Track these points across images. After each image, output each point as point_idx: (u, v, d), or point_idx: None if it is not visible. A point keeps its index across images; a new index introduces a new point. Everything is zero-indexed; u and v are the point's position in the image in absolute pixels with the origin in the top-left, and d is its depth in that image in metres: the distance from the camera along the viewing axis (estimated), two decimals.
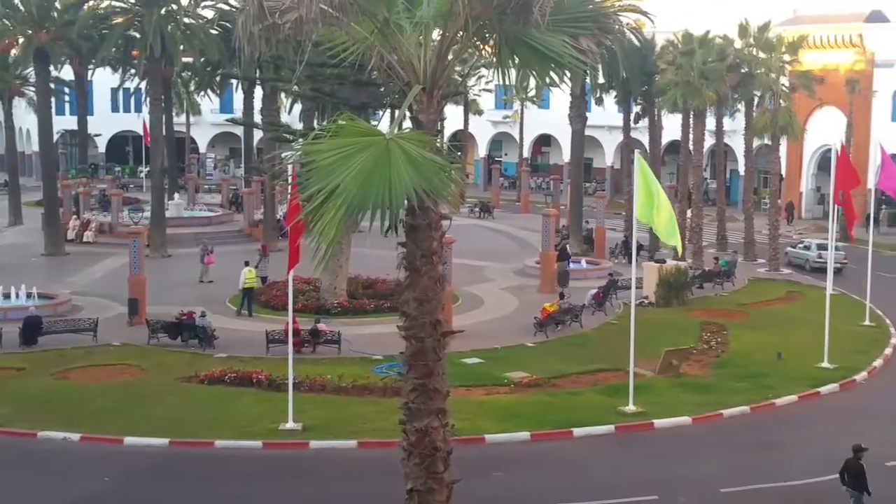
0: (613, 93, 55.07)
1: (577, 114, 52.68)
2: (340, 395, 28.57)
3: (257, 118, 53.78)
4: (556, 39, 12.22)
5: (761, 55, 48.98)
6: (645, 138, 60.88)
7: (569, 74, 13.67)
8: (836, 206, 36.01)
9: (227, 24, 52.05)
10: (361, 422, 26.23)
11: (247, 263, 39.42)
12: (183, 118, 78.19)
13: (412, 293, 13.06)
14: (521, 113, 78.17)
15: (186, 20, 52.74)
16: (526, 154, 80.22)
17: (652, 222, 28.20)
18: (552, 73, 13.47)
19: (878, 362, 33.33)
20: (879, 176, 37.58)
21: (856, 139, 61.09)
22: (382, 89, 37.09)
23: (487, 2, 12.17)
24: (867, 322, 38.25)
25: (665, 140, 63.27)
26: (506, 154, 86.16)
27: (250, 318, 37.44)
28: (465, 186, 74.84)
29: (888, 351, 34.78)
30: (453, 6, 12.17)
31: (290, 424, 25.93)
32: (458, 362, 31.31)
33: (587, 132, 56.53)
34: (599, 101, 56.70)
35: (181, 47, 52.60)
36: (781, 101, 48.39)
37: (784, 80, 49.40)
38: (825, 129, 61.89)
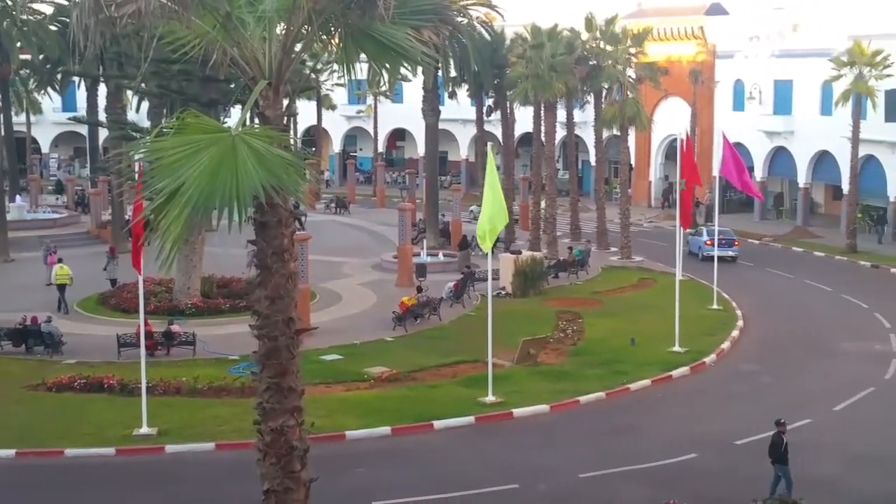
0: (466, 86, 55.50)
1: (431, 108, 52.88)
2: (196, 397, 28.09)
3: (103, 116, 52.32)
4: (400, 32, 12.25)
5: (608, 48, 50.03)
6: (498, 131, 61.62)
7: (419, 68, 13.74)
8: (682, 193, 37.16)
9: (67, 20, 50.47)
10: (218, 423, 25.85)
11: (60, 260, 39.27)
12: (23, 117, 75.53)
13: (264, 291, 12.93)
14: (375, 107, 78.12)
15: (23, 16, 50.89)
16: (381, 149, 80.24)
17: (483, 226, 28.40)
18: (400, 67, 13.49)
19: (725, 345, 34.48)
20: (722, 164, 38.85)
21: (700, 128, 63.22)
22: (232, 85, 36.53)
23: None
24: (715, 306, 39.55)
25: (518, 132, 64.31)
26: (361, 149, 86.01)
27: (67, 315, 36.83)
28: (320, 182, 74.40)
29: (735, 333, 36.01)
30: (297, 0, 12.08)
31: (144, 429, 25.36)
32: (317, 359, 31.18)
33: (441, 126, 56.80)
34: (452, 95, 57.15)
35: (18, 44, 50.77)
36: (629, 92, 49.51)
37: (630, 72, 50.49)
38: (671, 118, 63.74)
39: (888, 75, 50.75)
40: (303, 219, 54.84)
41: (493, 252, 29.89)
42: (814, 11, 65.17)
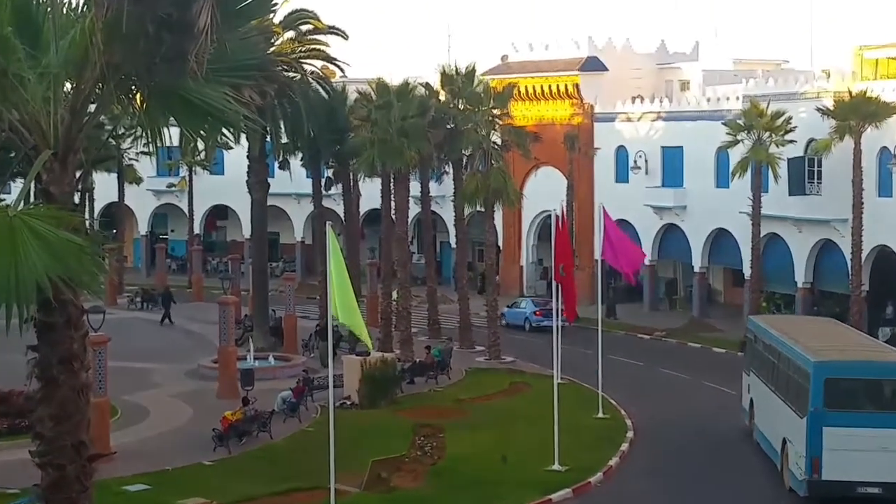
0: (300, 155, 55.63)
1: (258, 180, 52.70)
2: None
3: None
4: (216, 92, 12.25)
5: (468, 108, 50.82)
6: (340, 208, 61.92)
7: (242, 134, 13.75)
8: (557, 283, 37.75)
9: None
10: None
11: None
12: None
13: (48, 409, 12.61)
14: (190, 180, 77.47)
15: None
16: (198, 230, 79.53)
17: (342, 317, 28.20)
18: (219, 132, 13.48)
19: (613, 461, 34.94)
20: (604, 245, 39.70)
21: (578, 203, 64.15)
22: (12, 154, 35.80)
23: (131, 48, 12.05)
24: (601, 414, 40.08)
25: (363, 209, 64.72)
26: (173, 230, 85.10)
27: None
28: (123, 271, 73.20)
29: (624, 446, 36.54)
30: (88, 53, 11.98)
31: None
32: (119, 490, 30.43)
33: (271, 201, 56.69)
34: (284, 165, 57.20)
35: None
36: (493, 161, 50.27)
37: (495, 137, 51.37)
38: (545, 192, 64.63)
39: (790, 141, 52.81)
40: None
41: (335, 353, 29.75)
42: (703, 69, 67.68)
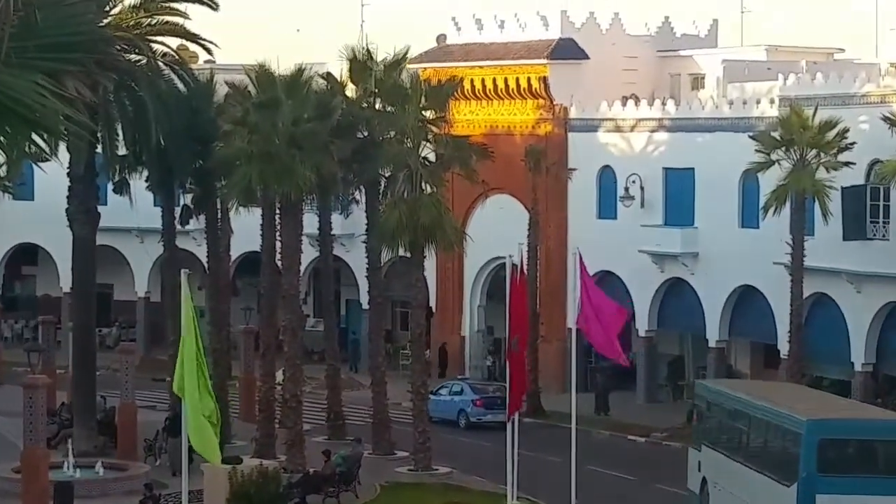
0: (145, 173, 55.33)
1: (83, 209, 52.26)
2: None
3: None
4: (24, 81, 12.28)
5: (389, 109, 50.96)
6: (203, 250, 61.58)
7: (63, 141, 13.77)
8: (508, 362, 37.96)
9: None
10: None
11: None
12: None
13: None
14: None
15: None
16: None
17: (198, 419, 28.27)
18: (27, 139, 13.51)
19: None
20: (579, 310, 39.70)
21: (545, 247, 64.10)
22: None
23: None
24: None
25: (236, 252, 64.35)
26: None
27: None
28: None
29: None
30: None
31: None
32: None
33: (102, 240, 56.31)
34: (121, 188, 56.78)
35: None
36: (425, 184, 50.17)
37: (428, 152, 51.29)
38: (498, 231, 64.16)
39: (847, 163, 52.90)
40: None
41: (191, 459, 29.61)
42: (724, 59, 67.83)
